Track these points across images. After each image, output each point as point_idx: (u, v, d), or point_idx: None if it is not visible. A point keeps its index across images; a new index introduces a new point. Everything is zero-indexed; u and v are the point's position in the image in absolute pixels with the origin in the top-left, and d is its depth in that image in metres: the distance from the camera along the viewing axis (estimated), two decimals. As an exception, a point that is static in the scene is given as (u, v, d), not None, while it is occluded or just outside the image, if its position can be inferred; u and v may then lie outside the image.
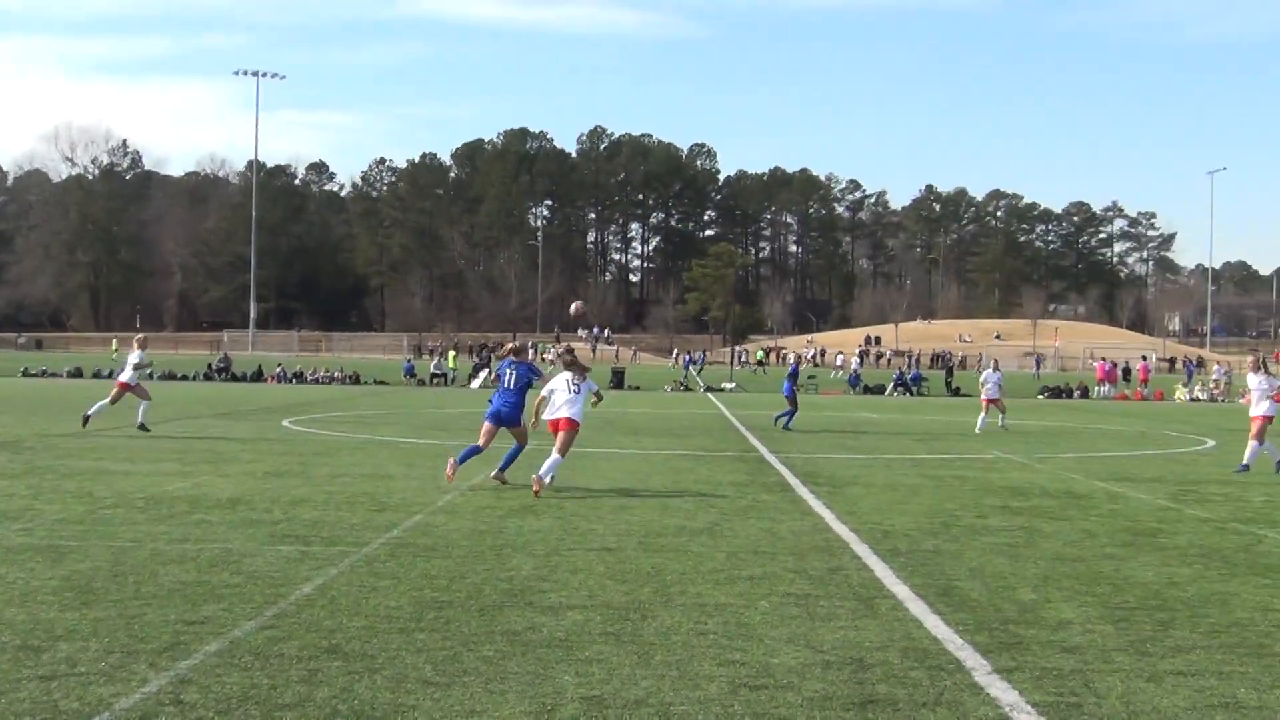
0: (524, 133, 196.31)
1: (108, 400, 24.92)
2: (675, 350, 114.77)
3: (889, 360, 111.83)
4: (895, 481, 18.04)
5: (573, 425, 15.79)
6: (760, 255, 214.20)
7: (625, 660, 7.36)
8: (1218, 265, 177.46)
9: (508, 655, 7.42)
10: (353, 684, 6.74)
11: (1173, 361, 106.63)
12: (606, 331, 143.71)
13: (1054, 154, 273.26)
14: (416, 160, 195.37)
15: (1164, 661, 7.58)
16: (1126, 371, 68.28)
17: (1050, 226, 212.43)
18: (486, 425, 16.44)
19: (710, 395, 55.06)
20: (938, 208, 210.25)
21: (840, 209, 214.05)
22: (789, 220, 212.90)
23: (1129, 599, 9.48)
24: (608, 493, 15.84)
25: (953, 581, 10.06)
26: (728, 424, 32.13)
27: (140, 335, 27.84)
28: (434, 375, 64.60)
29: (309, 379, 63.70)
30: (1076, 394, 57.81)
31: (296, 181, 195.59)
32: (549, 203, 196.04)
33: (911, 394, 57.96)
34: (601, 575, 10.02)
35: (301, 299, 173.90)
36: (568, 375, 16.10)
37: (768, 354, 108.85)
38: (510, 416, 16.37)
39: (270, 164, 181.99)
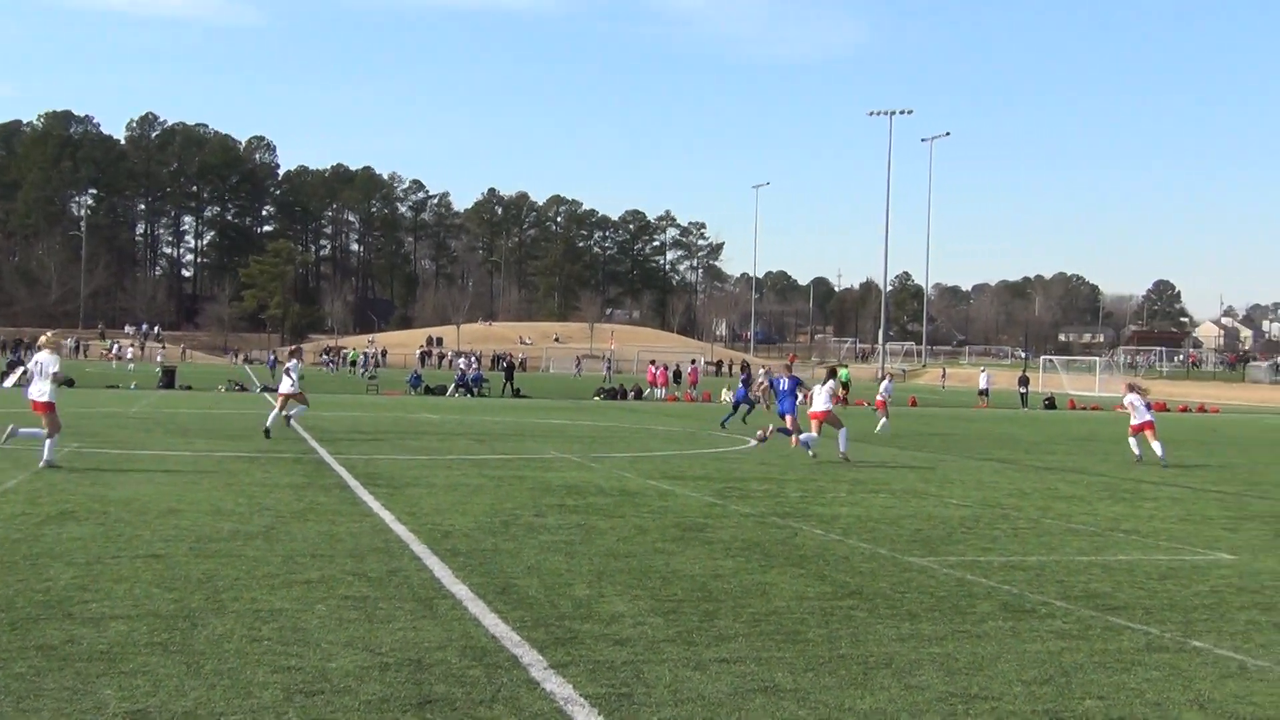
0: (67, 116, 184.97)
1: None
2: (239, 350, 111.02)
3: (450, 361, 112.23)
4: (456, 482, 18.10)
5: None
6: (321, 253, 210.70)
7: (173, 671, 7.03)
8: (761, 274, 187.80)
9: (43, 671, 6.94)
10: None
11: (720, 365, 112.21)
12: (156, 328, 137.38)
13: (613, 163, 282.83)
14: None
15: (709, 650, 7.93)
16: (677, 374, 71.21)
17: (608, 233, 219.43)
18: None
19: (267, 395, 53.61)
20: (500, 211, 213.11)
21: (403, 209, 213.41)
22: (351, 218, 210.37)
23: (677, 591, 9.87)
24: (156, 496, 15.12)
25: (511, 579, 10.18)
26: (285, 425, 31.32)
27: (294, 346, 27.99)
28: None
29: None
30: (631, 395, 59.83)
31: None
32: (94, 191, 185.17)
33: (473, 395, 58.38)
34: (149, 583, 9.54)
35: None
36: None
37: (329, 353, 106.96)
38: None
39: None
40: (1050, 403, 62.97)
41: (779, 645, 8.14)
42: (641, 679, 7.18)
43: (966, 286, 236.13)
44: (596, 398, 57.80)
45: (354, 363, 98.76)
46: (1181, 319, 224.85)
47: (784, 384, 26.40)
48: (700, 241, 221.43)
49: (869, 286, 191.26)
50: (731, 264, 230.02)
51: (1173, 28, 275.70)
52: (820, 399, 24.53)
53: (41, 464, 18.04)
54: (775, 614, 9.13)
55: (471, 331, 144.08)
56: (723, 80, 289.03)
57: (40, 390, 18.45)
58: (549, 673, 7.24)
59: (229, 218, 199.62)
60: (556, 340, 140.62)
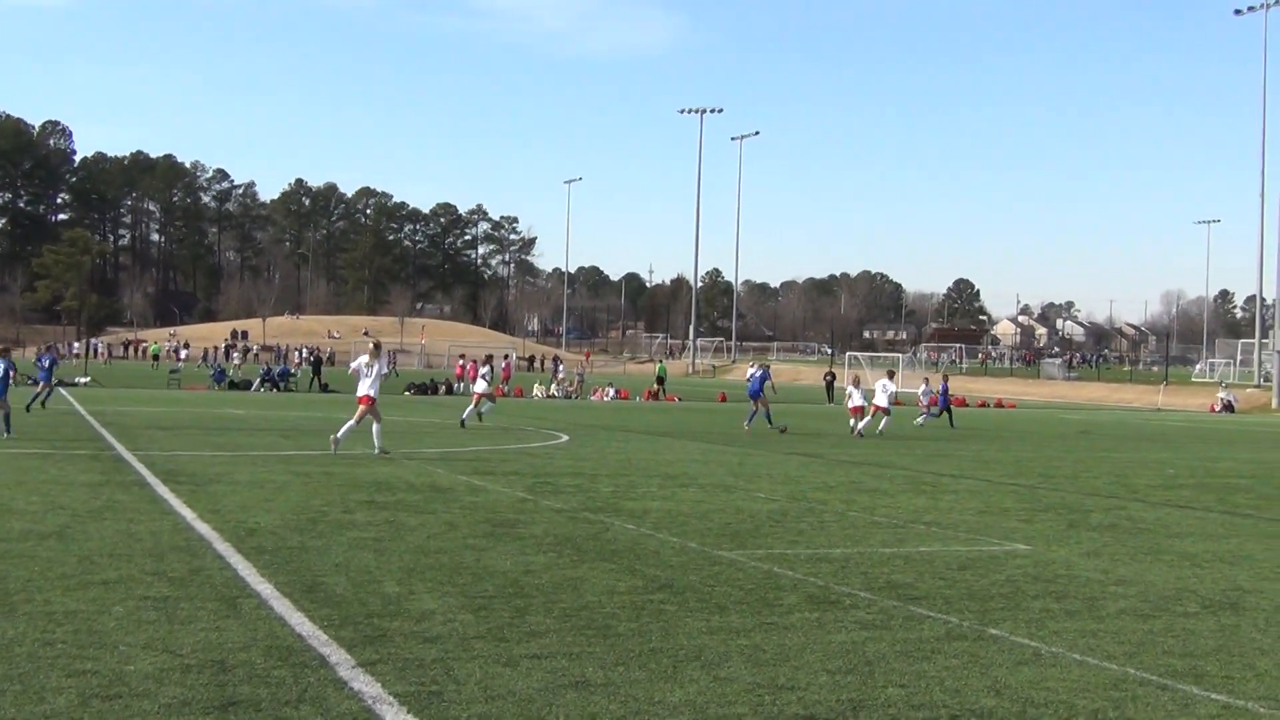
0: None
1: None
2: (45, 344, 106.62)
3: (257, 355, 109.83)
4: (261, 479, 17.71)
5: None
6: (120, 243, 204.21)
7: (-42, 678, 6.72)
8: (573, 270, 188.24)
9: None
10: None
11: (532, 360, 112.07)
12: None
13: (424, 155, 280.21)
14: None
15: (520, 646, 7.90)
16: (488, 369, 70.99)
17: (419, 226, 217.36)
18: None
19: (63, 390, 51.74)
20: (308, 202, 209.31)
21: (206, 199, 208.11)
22: (151, 208, 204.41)
23: (489, 588, 9.81)
24: (-59, 495, 14.47)
25: (318, 577, 10.00)
26: (81, 420, 30.30)
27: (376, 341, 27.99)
28: None
29: None
30: (443, 391, 59.35)
31: None
32: None
33: (279, 390, 57.24)
34: (-68, 586, 9.11)
35: None
36: None
37: (126, 347, 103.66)
38: None
39: None
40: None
41: (590, 640, 8.15)
42: (452, 676, 7.12)
43: (775, 284, 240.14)
44: (407, 393, 57.20)
45: (156, 356, 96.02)
46: (981, 317, 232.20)
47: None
48: (512, 236, 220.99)
49: (680, 283, 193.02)
50: (544, 259, 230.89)
51: (968, 30, 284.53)
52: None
53: None
54: (586, 609, 9.14)
55: (278, 325, 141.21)
56: (536, 75, 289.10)
57: None
58: (357, 671, 7.13)
59: (21, 205, 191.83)
60: (366, 334, 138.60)
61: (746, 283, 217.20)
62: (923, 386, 44.28)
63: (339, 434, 22.23)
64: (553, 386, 61.94)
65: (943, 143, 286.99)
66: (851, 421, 33.72)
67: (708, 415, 43.73)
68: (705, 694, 6.95)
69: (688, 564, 11.36)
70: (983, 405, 64.51)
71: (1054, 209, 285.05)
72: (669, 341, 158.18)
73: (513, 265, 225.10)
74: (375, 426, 22.88)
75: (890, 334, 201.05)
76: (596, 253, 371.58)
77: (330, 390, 55.92)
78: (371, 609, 8.85)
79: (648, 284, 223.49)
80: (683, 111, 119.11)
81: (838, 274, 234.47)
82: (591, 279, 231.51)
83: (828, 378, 67.15)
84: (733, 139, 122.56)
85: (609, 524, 14.00)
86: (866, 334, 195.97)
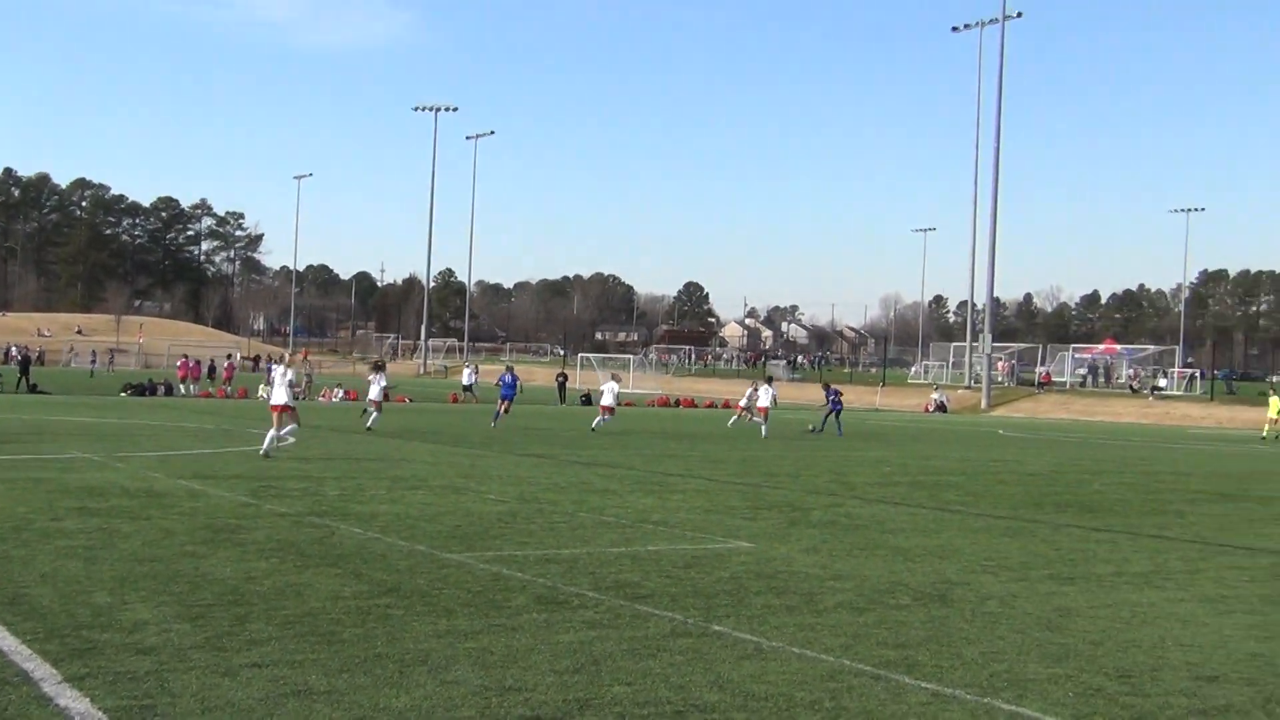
0: None
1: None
2: None
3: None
4: (-39, 484, 16.74)
5: None
6: None
7: None
8: (301, 268, 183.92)
9: None
10: None
11: (257, 360, 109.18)
12: None
13: (144, 146, 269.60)
14: None
15: (239, 655, 7.67)
16: (212, 369, 68.77)
17: (138, 220, 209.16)
18: None
19: None
20: (17, 193, 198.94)
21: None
22: None
23: (207, 596, 9.50)
24: None
25: (22, 589, 9.51)
26: None
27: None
28: None
29: None
30: (161, 391, 57.27)
31: None
32: None
33: (-16, 391, 54.18)
34: None
35: None
36: None
37: None
38: None
39: None
40: (586, 399, 64.96)
41: (313, 647, 7.98)
42: (166, 689, 6.86)
43: (509, 284, 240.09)
44: (124, 394, 54.94)
45: None
46: (709, 319, 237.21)
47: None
48: (238, 232, 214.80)
49: (412, 282, 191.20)
50: (271, 257, 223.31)
51: (694, 33, 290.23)
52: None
53: None
54: (310, 615, 8.94)
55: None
56: (264, 66, 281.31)
57: None
58: (63, 687, 6.80)
59: None
60: (79, 333, 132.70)
61: (480, 283, 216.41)
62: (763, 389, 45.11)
63: (272, 441, 23.31)
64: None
65: (674, 147, 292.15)
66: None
67: (439, 416, 43.43)
68: (431, 698, 6.89)
69: (415, 567, 11.24)
70: (710, 406, 65.92)
71: (780, 215, 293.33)
72: (400, 342, 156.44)
73: (238, 262, 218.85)
74: (272, 432, 23.56)
75: (622, 335, 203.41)
76: (327, 251, 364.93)
77: (40, 391, 53.26)
78: (80, 621, 8.46)
79: (379, 283, 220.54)
80: (417, 109, 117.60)
81: (571, 276, 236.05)
82: (321, 278, 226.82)
83: (560, 379, 67.52)
84: (467, 138, 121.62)
85: (335, 528, 13.75)
86: (598, 335, 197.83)
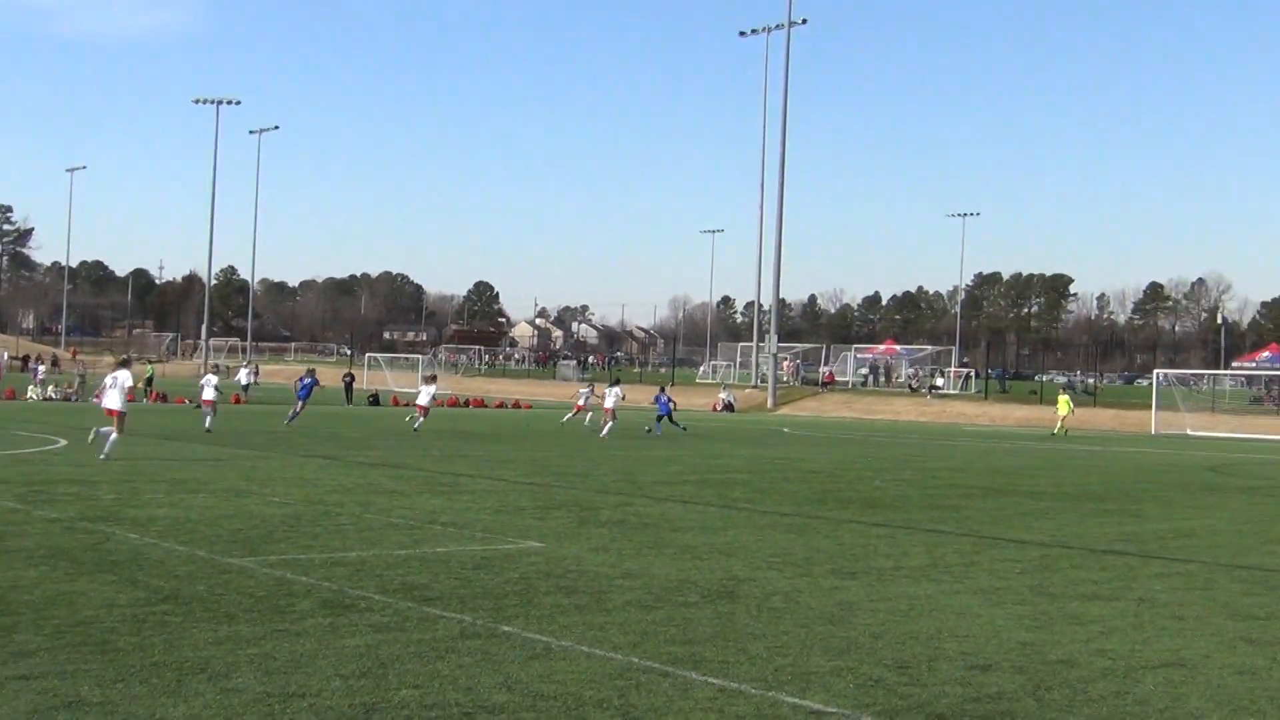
0: None
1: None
2: None
3: None
4: None
5: None
6: None
7: None
8: (75, 264, 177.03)
9: None
10: None
11: (26, 360, 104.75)
12: None
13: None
14: None
15: (6, 667, 7.35)
16: (-23, 369, 65.82)
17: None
18: None
19: None
20: None
21: None
22: None
23: (-29, 606, 9.07)
24: None
25: None
26: None
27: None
28: None
29: None
30: (-78, 392, 54.46)
31: None
32: None
33: None
34: None
35: None
36: None
37: None
38: None
39: None
40: (374, 399, 64.06)
41: (86, 657, 7.68)
42: (-76, 705, 6.52)
43: (294, 283, 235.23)
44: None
45: None
46: (500, 319, 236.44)
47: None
48: (6, 226, 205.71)
49: (193, 280, 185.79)
50: (42, 252, 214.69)
51: (484, 31, 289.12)
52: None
53: None
54: (83, 624, 8.61)
55: None
56: (31, 54, 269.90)
57: None
58: None
59: None
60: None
61: (264, 281, 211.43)
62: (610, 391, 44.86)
63: (105, 445, 22.85)
64: (50, 388, 58.08)
65: (464, 145, 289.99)
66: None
67: (221, 418, 42.29)
68: (211, 707, 6.71)
69: (195, 573, 10.92)
70: (500, 406, 65.73)
71: (571, 216, 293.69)
72: (181, 341, 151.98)
73: (5, 258, 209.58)
74: (114, 436, 23.09)
75: (411, 335, 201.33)
76: (102, 247, 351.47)
77: None
78: None
79: (158, 280, 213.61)
80: (198, 101, 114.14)
81: (358, 274, 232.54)
82: (96, 274, 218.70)
83: (346, 379, 66.44)
84: (251, 132, 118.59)
85: (110, 533, 13.27)
86: (387, 335, 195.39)
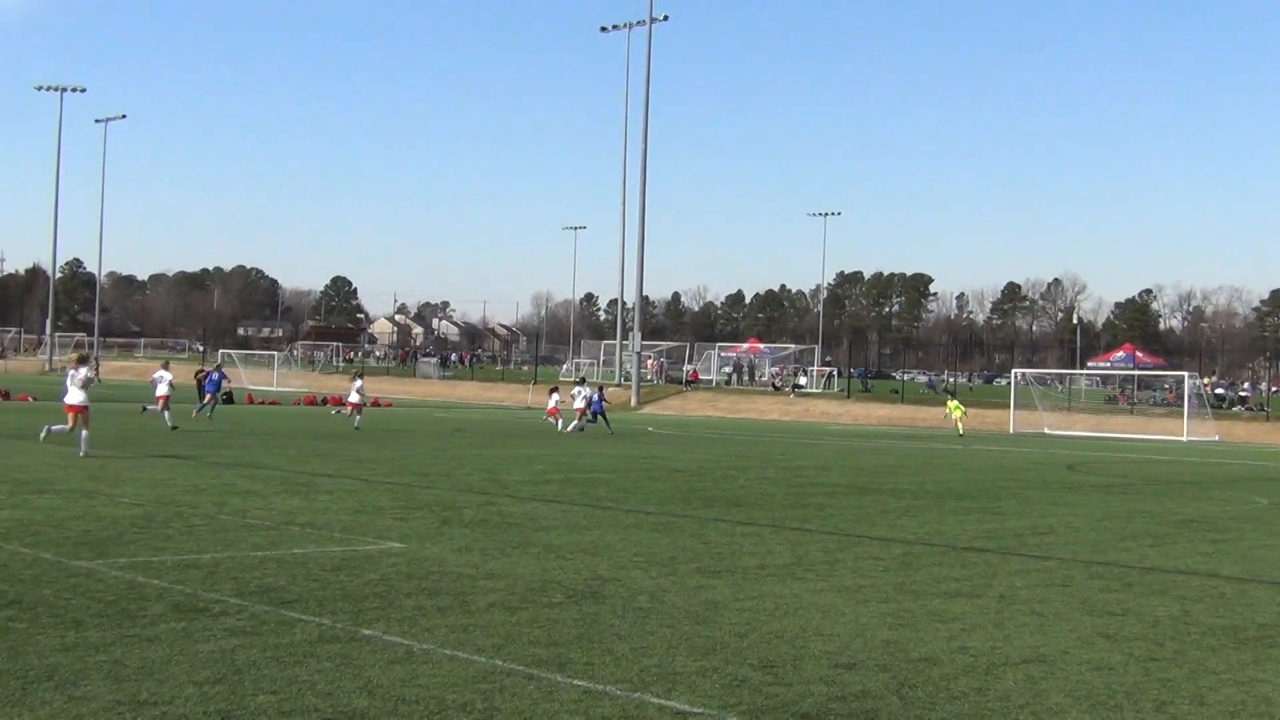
0: None
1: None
2: None
3: None
4: None
5: None
6: None
7: None
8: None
9: None
10: None
11: None
12: None
13: None
14: None
15: None
16: None
17: None
18: None
19: None
20: None
21: None
22: None
23: None
24: None
25: None
26: None
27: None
28: None
29: None
30: None
31: None
32: None
33: None
34: None
35: None
36: None
37: None
38: None
39: None
40: (229, 397, 62.80)
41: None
42: None
43: (143, 276, 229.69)
44: None
45: None
46: (358, 315, 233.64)
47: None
48: None
49: (36, 273, 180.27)
50: None
51: (334, 24, 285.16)
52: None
53: None
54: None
55: None
56: None
57: None
58: None
59: None
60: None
61: (111, 274, 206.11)
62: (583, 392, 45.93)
63: (51, 428, 24.90)
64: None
65: (320, 136, 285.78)
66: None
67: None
68: (59, 716, 6.45)
69: (40, 577, 10.53)
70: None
71: (431, 210, 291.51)
72: (23, 336, 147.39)
73: None
74: (83, 433, 23.92)
75: (266, 331, 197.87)
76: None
77: None
78: None
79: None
80: (40, 88, 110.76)
81: (211, 268, 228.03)
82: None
83: (200, 376, 65.03)
84: (97, 121, 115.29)
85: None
86: (241, 330, 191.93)
